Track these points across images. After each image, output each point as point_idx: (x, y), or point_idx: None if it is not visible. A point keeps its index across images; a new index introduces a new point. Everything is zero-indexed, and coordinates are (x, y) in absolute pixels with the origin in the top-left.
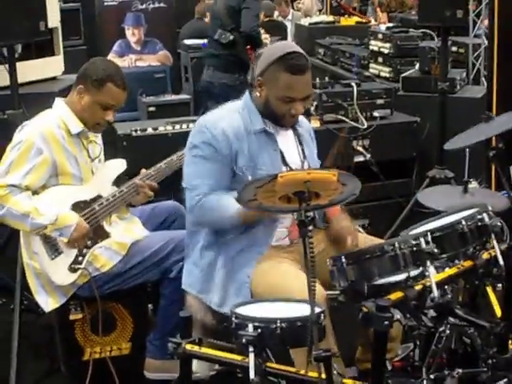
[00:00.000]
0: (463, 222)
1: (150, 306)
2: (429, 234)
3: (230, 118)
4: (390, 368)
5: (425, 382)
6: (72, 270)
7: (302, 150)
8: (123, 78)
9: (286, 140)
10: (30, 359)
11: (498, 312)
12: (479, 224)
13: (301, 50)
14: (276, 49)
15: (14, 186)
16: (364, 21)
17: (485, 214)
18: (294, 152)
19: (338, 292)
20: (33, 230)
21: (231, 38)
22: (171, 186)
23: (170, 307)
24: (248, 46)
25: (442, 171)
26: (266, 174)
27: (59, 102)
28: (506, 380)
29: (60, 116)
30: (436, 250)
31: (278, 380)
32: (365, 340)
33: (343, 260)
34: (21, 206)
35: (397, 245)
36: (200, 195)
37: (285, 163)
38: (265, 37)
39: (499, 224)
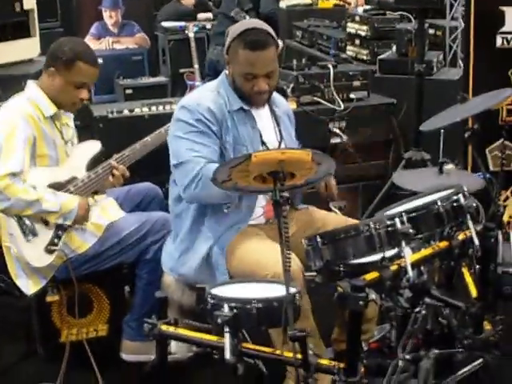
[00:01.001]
0: (439, 203)
1: (126, 287)
2: (404, 214)
3: (210, 97)
4: (366, 349)
5: (400, 362)
6: (48, 251)
7: (279, 130)
8: (93, 54)
9: (262, 119)
10: (7, 341)
11: (474, 293)
12: (455, 205)
13: (264, 27)
14: (239, 26)
15: (14, 173)
16: (341, 3)
17: (460, 195)
18: (271, 132)
19: (311, 274)
20: (38, 215)
21: (247, 18)
22: (148, 168)
23: (147, 288)
24: None
25: (418, 153)
26: (247, 151)
27: (31, 85)
28: (481, 360)
29: (32, 99)
30: (411, 231)
31: (254, 360)
32: (341, 320)
33: (318, 240)
34: (29, 194)
35: (372, 225)
36: (198, 167)
37: (262, 142)
38: None
39: (474, 205)
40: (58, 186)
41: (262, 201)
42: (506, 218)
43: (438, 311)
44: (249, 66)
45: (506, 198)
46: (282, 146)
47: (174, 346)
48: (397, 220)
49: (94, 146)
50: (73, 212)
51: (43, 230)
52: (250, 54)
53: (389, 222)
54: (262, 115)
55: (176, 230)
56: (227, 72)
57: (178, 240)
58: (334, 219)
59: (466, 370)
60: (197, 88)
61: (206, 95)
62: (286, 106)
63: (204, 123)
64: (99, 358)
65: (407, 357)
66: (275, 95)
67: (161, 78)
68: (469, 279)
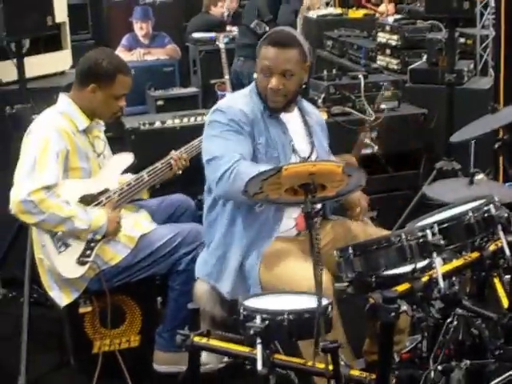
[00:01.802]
0: (470, 214)
1: (158, 298)
2: (435, 225)
3: (243, 101)
4: (397, 360)
5: (432, 373)
6: (80, 263)
7: (311, 139)
8: (126, 63)
9: (294, 127)
10: (40, 352)
11: (505, 303)
12: (486, 215)
13: (293, 32)
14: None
15: (49, 187)
16: (372, 13)
17: (491, 206)
18: (303, 140)
19: (345, 284)
20: (69, 232)
21: (267, 29)
22: (180, 180)
23: (179, 300)
24: None
25: (449, 163)
26: (278, 156)
27: (64, 98)
28: None
29: (66, 112)
30: (442, 242)
31: (286, 372)
32: (372, 332)
33: (350, 251)
34: (63, 211)
35: (403, 236)
36: (233, 160)
37: (293, 150)
38: None
39: (506, 215)
40: (90, 198)
41: (294, 213)
42: None
43: (470, 322)
44: (266, 59)
45: None
46: (314, 155)
47: (205, 356)
48: (428, 231)
49: (126, 158)
50: (103, 228)
51: (75, 242)
52: (269, 49)
53: (420, 234)
54: (294, 123)
55: (210, 238)
56: (255, 76)
57: (213, 246)
58: (365, 230)
59: (497, 381)
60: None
61: (239, 99)
62: (318, 116)
63: (237, 123)
64: (131, 369)
65: (439, 368)
66: (307, 105)
67: (192, 89)
68: (500, 290)
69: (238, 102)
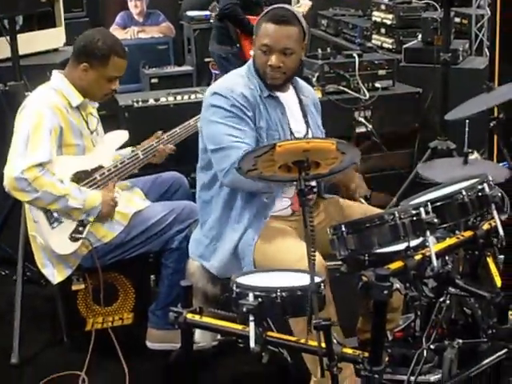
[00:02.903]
0: (463, 192)
1: (152, 276)
2: (429, 203)
3: (242, 82)
4: (390, 338)
5: (425, 351)
6: (73, 239)
7: (306, 119)
8: (122, 45)
9: (290, 107)
10: (33, 330)
11: (499, 282)
12: (479, 194)
13: (291, 8)
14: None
15: (42, 164)
16: None
17: (485, 185)
18: (299, 120)
19: (338, 262)
20: (63, 210)
21: None
22: (174, 158)
23: (172, 277)
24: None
25: (443, 142)
26: (279, 138)
27: (57, 75)
28: (505, 350)
29: (59, 89)
30: (436, 220)
31: (278, 349)
32: (365, 310)
33: (343, 229)
34: (57, 189)
35: (397, 214)
36: (241, 151)
37: (290, 129)
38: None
39: (499, 194)
40: (84, 175)
41: (290, 192)
42: None
43: (463, 301)
44: (266, 37)
45: None
46: (309, 135)
47: (198, 334)
48: (422, 209)
49: (121, 136)
50: (96, 209)
51: (67, 218)
52: (270, 26)
53: (414, 212)
54: (290, 103)
55: (204, 218)
56: (252, 53)
57: (207, 227)
58: (359, 208)
59: (490, 359)
60: (228, 73)
61: (238, 81)
62: (313, 94)
63: (239, 108)
64: (125, 346)
65: (431, 346)
66: (302, 84)
67: (186, 67)
68: (494, 269)
69: (237, 84)
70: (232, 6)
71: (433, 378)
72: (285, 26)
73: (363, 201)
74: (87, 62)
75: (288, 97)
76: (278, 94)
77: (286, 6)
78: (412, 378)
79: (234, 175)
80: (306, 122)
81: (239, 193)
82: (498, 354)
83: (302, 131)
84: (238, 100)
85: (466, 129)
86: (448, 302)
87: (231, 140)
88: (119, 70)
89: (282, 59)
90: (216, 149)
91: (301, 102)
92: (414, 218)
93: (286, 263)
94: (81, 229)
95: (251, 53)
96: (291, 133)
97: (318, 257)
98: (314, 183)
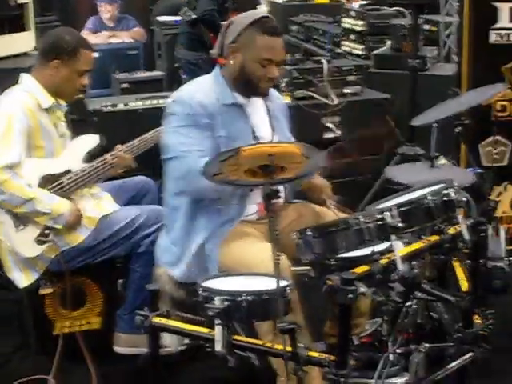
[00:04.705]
0: (429, 197)
1: (120, 280)
2: (394, 208)
3: (203, 90)
4: (357, 343)
5: (391, 356)
6: (39, 242)
7: (272, 124)
8: (87, 40)
9: (256, 113)
10: (1, 334)
11: (465, 286)
12: (445, 199)
13: (269, 15)
14: (248, 15)
15: (11, 166)
16: None
17: (451, 189)
18: (265, 126)
19: (304, 268)
20: (30, 214)
21: (193, 16)
22: (142, 162)
23: (139, 281)
24: None
25: (411, 148)
26: (239, 146)
27: (27, 77)
28: (471, 354)
29: (30, 90)
30: (400, 225)
31: (246, 353)
32: (333, 314)
33: (309, 233)
34: (24, 192)
35: (362, 219)
36: (191, 161)
37: (255, 137)
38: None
39: (465, 199)
40: (51, 178)
41: (257, 198)
42: (499, 213)
43: (430, 305)
44: (268, 50)
45: (500, 194)
46: (275, 139)
47: (167, 338)
48: (387, 214)
49: (91, 140)
50: (63, 217)
51: (33, 221)
52: (269, 39)
53: (379, 216)
54: (257, 110)
55: (171, 224)
56: (230, 62)
57: (173, 234)
58: (327, 214)
59: (455, 363)
60: (192, 80)
61: (199, 89)
62: (280, 99)
63: (196, 117)
64: (92, 350)
65: (398, 351)
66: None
67: (157, 73)
68: (460, 273)
69: (198, 92)
70: (211, 11)
71: (399, 381)
72: (280, 37)
73: (331, 206)
74: (57, 59)
75: (254, 103)
76: (244, 101)
77: (261, 12)
78: (379, 382)
79: (184, 185)
80: (272, 128)
81: (202, 203)
82: (463, 358)
83: (269, 137)
84: (195, 108)
85: (433, 134)
86: (415, 306)
87: (183, 149)
88: (89, 63)
89: (278, 70)
90: (169, 158)
91: (267, 107)
92: (379, 223)
93: (250, 265)
94: (47, 232)
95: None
96: (256, 139)
97: (284, 259)
98: (280, 187)
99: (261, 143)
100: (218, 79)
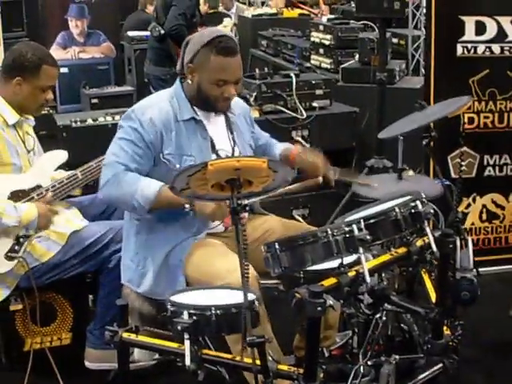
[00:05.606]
0: (396, 209)
1: (90, 296)
2: (362, 220)
3: (158, 106)
4: (327, 355)
5: (361, 368)
6: (8, 258)
7: (233, 137)
8: (51, 55)
9: (216, 127)
10: None
11: (433, 298)
12: (412, 211)
13: (230, 34)
14: (204, 34)
15: None
16: (306, 13)
17: (418, 202)
18: (225, 139)
19: (272, 281)
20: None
21: (161, 32)
22: None
23: (109, 297)
24: None
25: (380, 161)
26: (194, 162)
27: None
28: (441, 365)
29: None
30: (368, 237)
31: (216, 367)
32: (302, 327)
33: (277, 246)
34: None
35: (329, 231)
36: (115, 170)
37: (214, 151)
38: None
39: (432, 211)
40: (21, 194)
41: None
42: (467, 225)
43: (399, 317)
44: (222, 72)
45: (468, 206)
46: (236, 152)
47: (137, 353)
48: (354, 226)
49: (60, 156)
50: (34, 222)
51: (3, 236)
52: (223, 60)
53: (346, 229)
54: (217, 124)
55: (130, 241)
56: (189, 81)
57: (133, 251)
58: (295, 227)
59: (425, 374)
60: (152, 94)
61: (154, 103)
62: (241, 108)
63: (141, 133)
64: (63, 366)
65: (369, 362)
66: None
67: (127, 88)
68: (429, 285)
69: (151, 107)
70: (179, 26)
71: None
72: (235, 57)
73: (300, 219)
74: (19, 76)
75: (214, 117)
76: (204, 115)
77: (226, 33)
78: None
79: (104, 193)
80: (233, 141)
81: (165, 214)
82: (433, 369)
83: (229, 151)
84: (143, 124)
85: (400, 146)
86: (384, 318)
87: (112, 159)
88: (52, 79)
89: (235, 88)
90: (103, 164)
91: (227, 119)
92: (347, 235)
93: (218, 275)
94: (17, 248)
95: (188, 81)
96: (216, 153)
97: (251, 269)
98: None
99: (226, 157)
100: (179, 93)
